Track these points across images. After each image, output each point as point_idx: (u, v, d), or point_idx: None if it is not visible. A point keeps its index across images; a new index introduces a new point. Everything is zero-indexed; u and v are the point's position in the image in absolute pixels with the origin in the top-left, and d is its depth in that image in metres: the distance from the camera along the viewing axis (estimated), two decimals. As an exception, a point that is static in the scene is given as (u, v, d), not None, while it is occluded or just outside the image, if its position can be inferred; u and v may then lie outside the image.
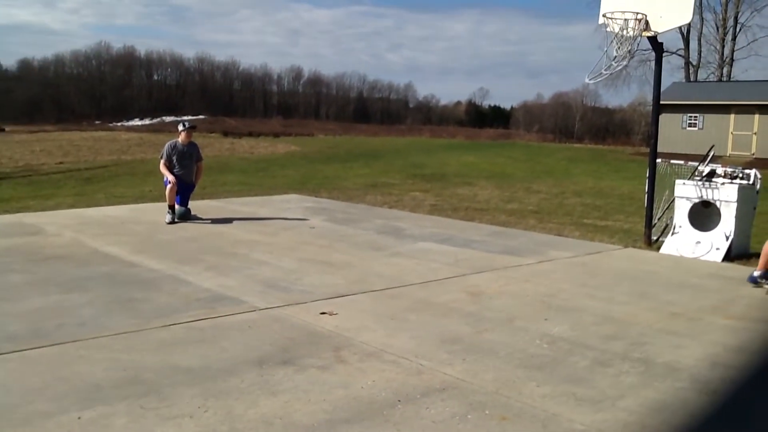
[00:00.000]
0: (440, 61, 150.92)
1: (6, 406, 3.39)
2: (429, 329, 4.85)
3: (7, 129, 54.47)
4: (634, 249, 8.50)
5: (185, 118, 56.40)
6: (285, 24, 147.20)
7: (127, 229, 8.60)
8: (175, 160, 9.42)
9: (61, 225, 8.63)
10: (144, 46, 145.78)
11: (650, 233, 8.86)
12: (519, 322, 5.12)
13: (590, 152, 36.50)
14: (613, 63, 8.50)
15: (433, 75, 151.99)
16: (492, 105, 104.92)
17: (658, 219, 9.11)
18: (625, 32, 8.34)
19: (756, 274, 6.49)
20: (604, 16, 8.52)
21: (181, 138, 9.53)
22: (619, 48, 8.46)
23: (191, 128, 9.79)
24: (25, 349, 4.17)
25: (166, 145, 9.55)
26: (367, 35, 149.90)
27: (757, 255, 8.14)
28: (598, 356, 4.43)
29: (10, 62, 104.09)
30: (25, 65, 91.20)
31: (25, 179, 18.18)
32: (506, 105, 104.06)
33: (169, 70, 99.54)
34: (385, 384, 3.80)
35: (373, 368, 4.03)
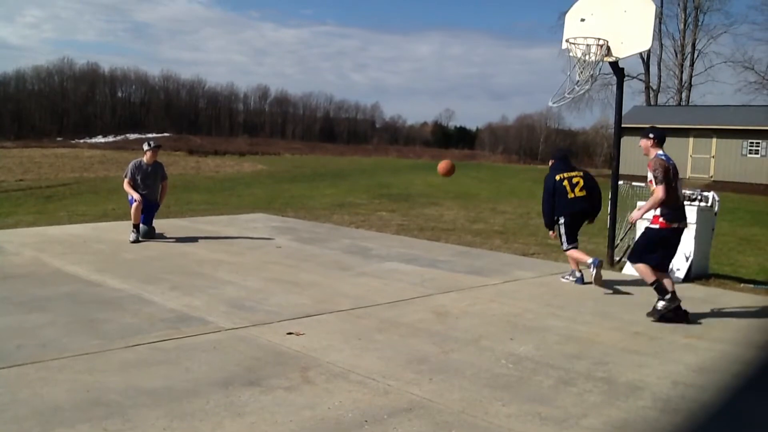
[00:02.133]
0: (406, 82, 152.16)
1: (-37, 429, 3.31)
2: (396, 349, 4.86)
3: (-36, 145, 53.21)
4: (596, 269, 8.61)
5: (150, 136, 55.85)
6: (250, 43, 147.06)
7: (90, 247, 8.47)
8: (139, 180, 9.31)
9: (20, 243, 8.46)
10: (107, 62, 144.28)
11: (613, 254, 9.01)
12: (485, 341, 5.16)
13: (554, 173, 37.01)
14: (576, 87, 8.67)
15: (399, 96, 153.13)
16: (458, 126, 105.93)
17: (620, 240, 9.28)
18: (587, 57, 8.53)
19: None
20: (567, 41, 8.71)
21: (146, 157, 9.43)
22: (581, 72, 8.64)
23: (156, 147, 9.69)
24: (-17, 371, 4.08)
25: (131, 164, 9.44)
26: (332, 55, 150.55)
27: (717, 275, 8.35)
28: (562, 375, 4.48)
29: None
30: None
31: (-17, 196, 17.77)
32: (472, 126, 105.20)
33: (133, 87, 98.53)
34: (352, 405, 3.80)
35: (340, 389, 4.03)
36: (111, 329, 5.05)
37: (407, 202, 17.25)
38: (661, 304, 6.03)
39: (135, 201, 9.04)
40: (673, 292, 6.07)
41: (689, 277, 8.05)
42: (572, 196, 7.47)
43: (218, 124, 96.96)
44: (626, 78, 8.89)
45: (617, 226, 9.08)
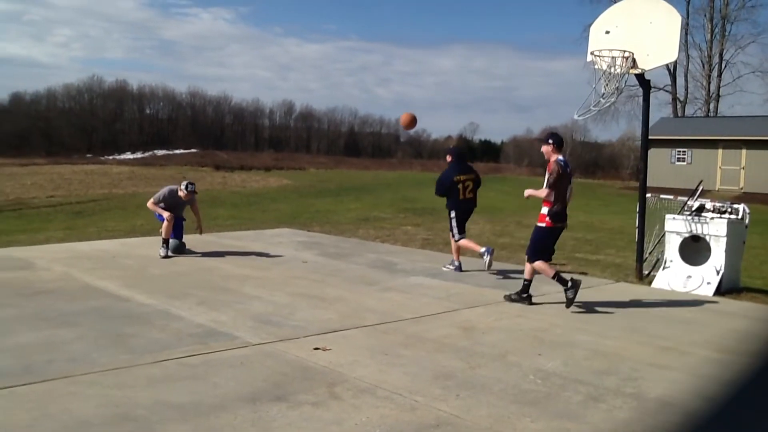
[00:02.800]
0: (429, 96, 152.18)
1: (-5, 444, 3.35)
2: (422, 365, 4.84)
3: (-3, 162, 54.27)
4: (625, 283, 8.53)
5: (177, 152, 56.38)
6: (274, 58, 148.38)
7: (119, 263, 8.57)
8: (169, 205, 9.28)
9: (51, 259, 8.59)
10: (135, 79, 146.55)
11: (641, 267, 8.90)
12: (512, 357, 5.12)
13: (580, 186, 36.71)
14: (601, 99, 8.62)
15: (423, 109, 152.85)
16: (482, 139, 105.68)
17: (649, 253, 9.17)
18: (612, 69, 8.49)
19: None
20: (592, 54, 8.67)
21: (182, 194, 9.30)
22: (607, 85, 8.60)
23: (194, 192, 9.44)
24: (15, 386, 4.13)
25: (166, 190, 9.38)
26: (355, 70, 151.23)
27: (748, 289, 8.21)
28: (591, 391, 4.42)
29: (1, 95, 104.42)
30: (16, 98, 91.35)
31: (15, 213, 18.12)
32: (496, 139, 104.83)
33: (161, 103, 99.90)
34: (380, 420, 3.78)
35: (367, 404, 4.01)
36: (139, 344, 5.09)
37: (432, 216, 17.21)
38: (570, 293, 6.67)
39: (165, 218, 9.10)
40: (569, 279, 6.75)
41: (720, 291, 7.92)
42: (462, 197, 8.71)
43: (244, 140, 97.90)
44: (652, 90, 8.83)
45: (645, 239, 8.97)
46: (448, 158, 9.06)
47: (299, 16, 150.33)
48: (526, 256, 7.05)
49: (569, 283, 6.67)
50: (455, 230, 8.78)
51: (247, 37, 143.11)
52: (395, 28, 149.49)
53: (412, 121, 8.87)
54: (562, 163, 6.80)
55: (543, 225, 6.83)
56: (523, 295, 7.01)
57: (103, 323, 5.65)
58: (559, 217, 6.80)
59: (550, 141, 6.90)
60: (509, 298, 7.08)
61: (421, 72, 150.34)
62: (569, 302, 6.70)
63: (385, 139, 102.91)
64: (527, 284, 6.99)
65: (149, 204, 9.41)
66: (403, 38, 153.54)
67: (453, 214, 8.78)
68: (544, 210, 6.79)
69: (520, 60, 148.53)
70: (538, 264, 6.84)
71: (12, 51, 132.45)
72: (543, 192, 6.73)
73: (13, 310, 6.00)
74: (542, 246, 6.89)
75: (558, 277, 6.76)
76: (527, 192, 7.04)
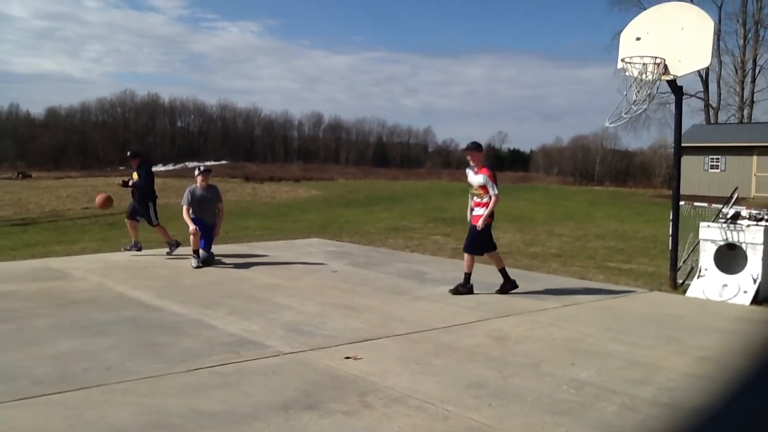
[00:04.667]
0: (457, 106, 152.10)
1: (33, 450, 3.40)
2: (454, 374, 4.81)
3: (33, 175, 55.53)
4: (659, 292, 8.40)
5: (208, 163, 57.14)
6: (302, 70, 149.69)
7: (152, 273, 8.67)
8: (196, 205, 9.51)
9: (86, 269, 8.73)
10: (166, 93, 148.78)
11: (676, 276, 8.76)
12: (545, 366, 5.07)
13: (611, 195, 36.34)
14: (632, 107, 8.53)
15: (451, 119, 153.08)
16: (511, 148, 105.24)
17: (683, 262, 9.02)
18: (644, 76, 8.40)
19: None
20: (622, 60, 8.59)
21: (198, 182, 9.64)
22: (638, 92, 8.50)
23: (207, 172, 9.91)
24: (51, 393, 4.20)
25: (186, 192, 9.67)
26: (382, 80, 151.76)
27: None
28: (626, 401, 4.36)
29: (37, 110, 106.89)
30: (51, 113, 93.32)
31: (51, 224, 18.46)
32: (525, 148, 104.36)
33: (192, 116, 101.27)
34: (412, 430, 3.76)
35: (399, 414, 4.00)
36: (172, 353, 5.14)
37: (462, 226, 17.11)
38: (464, 288, 7.78)
39: (192, 230, 9.22)
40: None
41: (757, 299, 7.76)
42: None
43: (273, 151, 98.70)
44: (685, 96, 8.70)
45: (679, 248, 8.82)
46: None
47: (326, 28, 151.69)
48: (464, 249, 7.93)
49: (469, 283, 7.80)
50: (153, 217, 10.34)
51: (275, 50, 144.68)
52: (422, 38, 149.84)
53: (106, 202, 10.11)
54: (491, 167, 7.87)
55: (488, 224, 7.79)
56: (468, 286, 7.82)
57: (137, 332, 5.72)
58: (493, 214, 7.84)
59: (474, 148, 7.81)
60: (457, 291, 7.80)
61: (448, 82, 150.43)
62: (456, 291, 7.77)
63: (413, 149, 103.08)
64: (470, 275, 7.84)
65: (183, 215, 9.55)
66: (430, 48, 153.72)
67: (152, 206, 10.35)
68: (481, 211, 7.75)
69: (549, 68, 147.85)
70: (470, 258, 7.83)
71: (47, 67, 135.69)
72: (495, 201, 7.73)
73: (50, 319, 6.10)
74: (486, 241, 7.86)
75: (470, 275, 7.81)
76: (484, 220, 7.75)
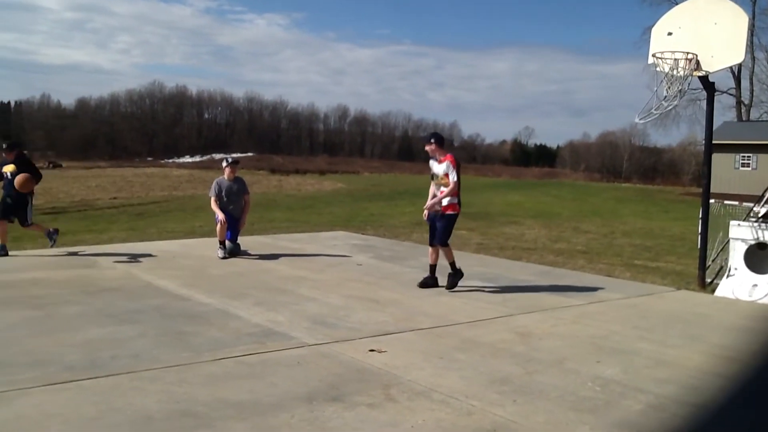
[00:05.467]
0: (483, 100, 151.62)
1: (63, 435, 3.47)
2: (478, 369, 4.81)
3: (63, 165, 56.45)
4: (687, 291, 8.31)
5: (234, 155, 57.63)
6: (328, 63, 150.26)
7: (178, 263, 8.77)
8: (224, 196, 9.60)
9: (114, 258, 8.85)
10: (194, 85, 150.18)
11: (704, 275, 8.66)
12: (569, 363, 5.04)
13: (638, 192, 35.99)
14: (663, 103, 8.42)
15: (477, 114, 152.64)
16: (537, 144, 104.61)
17: (712, 261, 8.91)
18: (675, 72, 8.29)
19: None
20: (653, 56, 8.48)
21: (226, 174, 9.71)
22: (669, 88, 8.39)
23: (234, 163, 9.97)
24: (82, 379, 4.26)
25: (214, 183, 9.75)
26: (408, 74, 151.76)
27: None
28: (651, 400, 4.32)
29: (68, 101, 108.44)
30: (82, 104, 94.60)
31: (80, 213, 18.75)
32: (552, 144, 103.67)
33: (219, 108, 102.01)
34: (435, 424, 3.77)
35: (422, 407, 4.01)
36: (198, 342, 5.20)
37: (486, 221, 17.10)
38: (457, 279, 7.71)
39: (219, 221, 9.30)
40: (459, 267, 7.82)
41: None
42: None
43: (299, 144, 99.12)
44: (716, 93, 8.57)
45: (708, 246, 8.71)
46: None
47: (352, 21, 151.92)
48: (439, 244, 7.67)
49: (460, 272, 7.75)
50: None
51: (301, 43, 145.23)
52: (448, 32, 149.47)
53: (27, 181, 8.95)
54: (454, 156, 7.67)
55: (455, 213, 7.65)
56: (460, 276, 7.76)
57: (164, 321, 5.79)
58: (460, 202, 7.69)
59: (432, 141, 7.66)
60: (452, 286, 7.67)
61: (473, 76, 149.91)
62: (451, 286, 7.66)
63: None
64: (454, 263, 7.75)
65: (211, 205, 9.62)
66: (456, 42, 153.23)
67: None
68: (453, 199, 7.56)
69: (575, 63, 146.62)
70: (448, 249, 7.68)
71: (77, 58, 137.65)
72: (453, 187, 7.49)
73: (80, 306, 6.20)
74: (451, 232, 7.70)
75: (455, 263, 7.75)
76: (433, 203, 7.64)
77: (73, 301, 6.38)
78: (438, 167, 7.62)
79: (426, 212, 7.75)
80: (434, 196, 7.70)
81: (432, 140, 7.67)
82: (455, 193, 7.54)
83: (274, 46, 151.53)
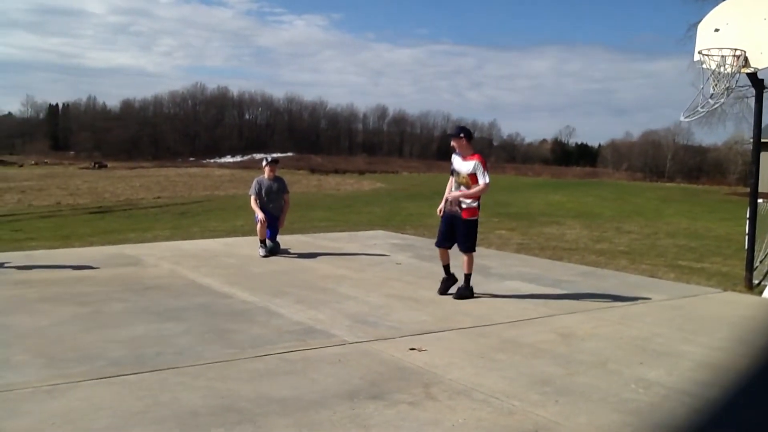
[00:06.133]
0: (523, 99, 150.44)
1: (111, 427, 3.55)
2: (519, 369, 4.78)
3: (109, 165, 57.70)
4: (733, 293, 8.13)
5: (273, 155, 58.30)
6: (367, 64, 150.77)
7: (221, 261, 8.90)
8: (263, 194, 9.70)
9: (158, 257, 9.02)
10: (235, 86, 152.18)
11: (751, 277, 8.46)
12: (612, 365, 4.98)
13: (683, 192, 35.32)
14: (709, 101, 8.26)
15: (516, 113, 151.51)
16: (578, 143, 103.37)
17: (760, 262, 8.70)
18: (722, 69, 8.11)
19: None
20: (699, 53, 8.31)
21: (266, 173, 9.81)
22: (715, 85, 8.22)
23: (274, 162, 10.07)
24: (128, 374, 4.37)
25: (254, 182, 9.86)
26: (447, 74, 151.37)
27: None
28: (695, 403, 4.24)
29: (113, 103, 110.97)
30: (126, 105, 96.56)
31: (125, 213, 19.15)
32: (593, 143, 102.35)
33: (259, 109, 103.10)
34: (476, 423, 3.76)
35: (463, 406, 4.00)
36: (241, 339, 5.28)
37: (527, 221, 16.96)
38: (468, 293, 7.10)
39: (259, 220, 9.40)
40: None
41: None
42: None
43: (338, 144, 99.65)
44: (765, 90, 8.36)
45: (756, 247, 8.51)
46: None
47: (391, 21, 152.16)
48: (465, 251, 7.10)
49: (472, 290, 7.16)
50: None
51: (340, 43, 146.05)
52: (488, 31, 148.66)
53: None
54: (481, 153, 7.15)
55: (476, 218, 7.13)
56: (471, 294, 7.13)
57: (208, 318, 5.89)
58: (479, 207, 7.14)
59: (462, 135, 7.10)
60: (462, 297, 7.08)
61: (514, 75, 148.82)
62: (461, 297, 7.06)
63: (478, 143, 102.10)
64: (470, 276, 7.18)
65: (251, 203, 9.74)
66: (496, 41, 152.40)
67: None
68: (473, 203, 7.03)
69: (617, 62, 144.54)
70: (473, 254, 7.15)
71: (122, 61, 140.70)
72: (484, 188, 6.94)
73: (125, 303, 6.34)
74: (477, 237, 7.21)
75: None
76: (458, 195, 7.02)
77: (119, 299, 6.52)
78: (463, 164, 7.07)
79: (442, 207, 7.19)
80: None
81: (461, 134, 7.12)
82: (479, 195, 7.05)
83: (314, 47, 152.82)
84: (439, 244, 7.32)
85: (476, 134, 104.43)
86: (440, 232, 7.30)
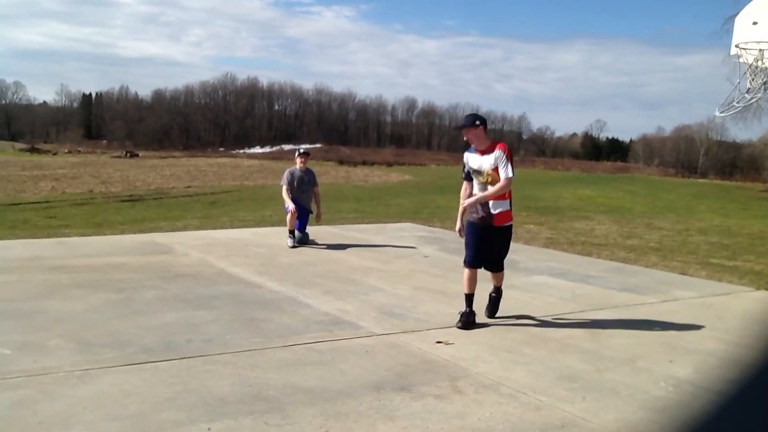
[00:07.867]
0: (552, 92, 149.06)
1: (140, 413, 3.62)
2: (546, 364, 4.76)
3: (140, 155, 58.46)
4: (766, 292, 7.99)
5: (304, 147, 58.61)
6: (395, 55, 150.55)
7: (250, 251, 8.98)
8: (295, 185, 9.78)
9: (189, 245, 9.12)
10: (264, 77, 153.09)
11: (785, 276, 8.31)
12: (641, 362, 4.94)
13: (716, 188, 34.76)
14: (745, 95, 8.13)
15: (545, 106, 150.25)
16: (609, 137, 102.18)
17: (795, 261, 8.54)
18: (760, 63, 7.97)
19: None
20: (736, 46, 8.17)
21: (298, 164, 9.90)
22: (752, 80, 8.09)
23: (306, 155, 10.18)
24: (158, 361, 4.44)
25: (286, 172, 9.95)
26: (475, 66, 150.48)
27: None
28: (725, 402, 4.18)
29: (145, 92, 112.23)
30: (158, 95, 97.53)
31: (156, 201, 19.39)
32: (624, 137, 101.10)
33: (289, 100, 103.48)
34: (503, 417, 3.76)
35: (489, 400, 4.01)
36: (270, 328, 5.33)
37: (556, 215, 16.83)
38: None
39: (289, 210, 9.47)
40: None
41: None
42: None
43: (366, 136, 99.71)
44: (804, 85, 8.20)
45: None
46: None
47: (419, 12, 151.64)
48: (498, 271, 6.01)
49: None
50: None
51: (368, 35, 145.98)
52: (516, 22, 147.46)
53: None
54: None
55: (511, 223, 5.86)
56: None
57: (237, 307, 5.95)
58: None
59: (478, 123, 5.73)
60: (497, 311, 6.03)
61: (542, 68, 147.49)
62: (496, 311, 6.05)
63: (507, 136, 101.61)
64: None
65: (283, 193, 9.81)
66: (524, 33, 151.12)
67: None
68: (505, 204, 5.73)
69: (648, 55, 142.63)
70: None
71: (152, 51, 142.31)
72: (506, 184, 5.61)
73: (156, 291, 6.43)
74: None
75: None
76: (478, 198, 5.69)
77: (151, 286, 6.61)
78: (483, 160, 5.69)
79: (460, 225, 5.95)
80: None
81: (477, 122, 5.72)
82: (507, 193, 5.74)
83: (342, 38, 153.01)
84: (471, 264, 5.78)
85: (506, 127, 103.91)
86: (472, 247, 5.74)
